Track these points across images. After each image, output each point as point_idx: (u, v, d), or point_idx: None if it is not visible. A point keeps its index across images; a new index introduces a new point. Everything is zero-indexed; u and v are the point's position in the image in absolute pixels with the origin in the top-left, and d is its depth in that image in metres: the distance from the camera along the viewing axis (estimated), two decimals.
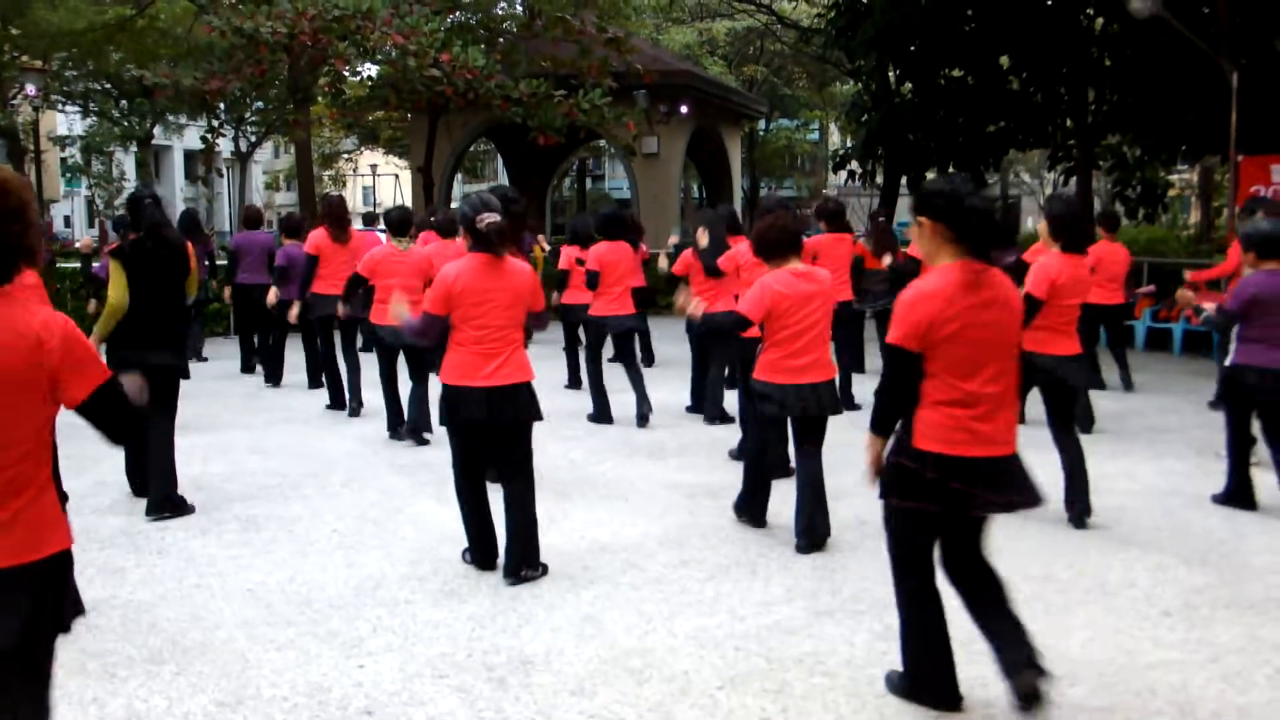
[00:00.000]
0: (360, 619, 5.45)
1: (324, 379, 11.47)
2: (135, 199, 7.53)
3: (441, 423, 6.13)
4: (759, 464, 7.02)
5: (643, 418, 10.32)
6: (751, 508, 7.06)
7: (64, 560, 3.11)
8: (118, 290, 7.08)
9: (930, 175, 25.37)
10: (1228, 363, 7.37)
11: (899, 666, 4.65)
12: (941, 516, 4.32)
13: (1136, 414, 10.72)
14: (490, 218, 5.91)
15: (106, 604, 5.54)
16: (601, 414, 10.51)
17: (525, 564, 6.05)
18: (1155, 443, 9.47)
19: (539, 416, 6.16)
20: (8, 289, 3.00)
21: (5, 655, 2.96)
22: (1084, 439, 9.42)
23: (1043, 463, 7.79)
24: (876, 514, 7.00)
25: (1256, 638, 5.15)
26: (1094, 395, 10.57)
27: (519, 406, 6.03)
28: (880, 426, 4.38)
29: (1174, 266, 17.79)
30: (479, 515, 6.20)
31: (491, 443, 6.13)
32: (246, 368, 13.72)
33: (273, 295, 12.10)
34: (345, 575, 6.12)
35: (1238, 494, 7.45)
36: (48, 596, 3.04)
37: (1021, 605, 5.52)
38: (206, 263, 14.25)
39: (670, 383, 11.54)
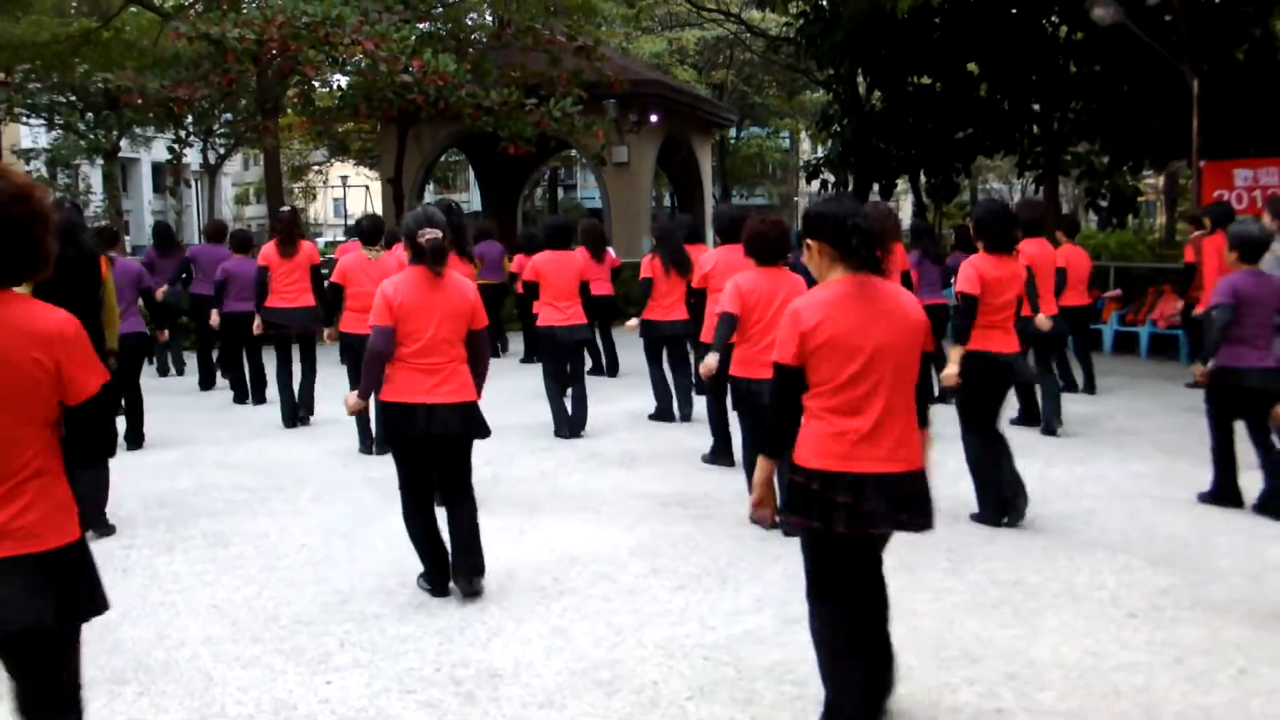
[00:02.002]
0: (327, 634, 5.42)
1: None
2: (54, 204, 7.61)
3: (386, 440, 6.10)
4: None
5: (577, 428, 10.39)
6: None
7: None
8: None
9: (901, 182, 25.54)
10: (1212, 365, 7.41)
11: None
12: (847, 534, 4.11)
13: (1105, 417, 10.76)
14: (431, 233, 5.84)
15: None
16: (560, 426, 10.40)
17: (476, 573, 6.00)
18: (1123, 445, 9.51)
19: (483, 434, 6.11)
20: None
21: (38, 635, 3.14)
22: (1053, 442, 9.53)
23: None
24: None
25: (1220, 639, 5.17)
26: (1062, 398, 10.63)
27: (460, 424, 5.95)
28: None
29: (1140, 270, 17.96)
30: (429, 534, 6.04)
31: (434, 461, 6.05)
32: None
33: (214, 316, 12.54)
34: (313, 590, 6.09)
35: (1224, 494, 7.52)
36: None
37: (991, 610, 5.58)
38: (184, 275, 14.20)
39: (642, 393, 11.53)
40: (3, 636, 3.11)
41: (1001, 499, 7.19)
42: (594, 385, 12.64)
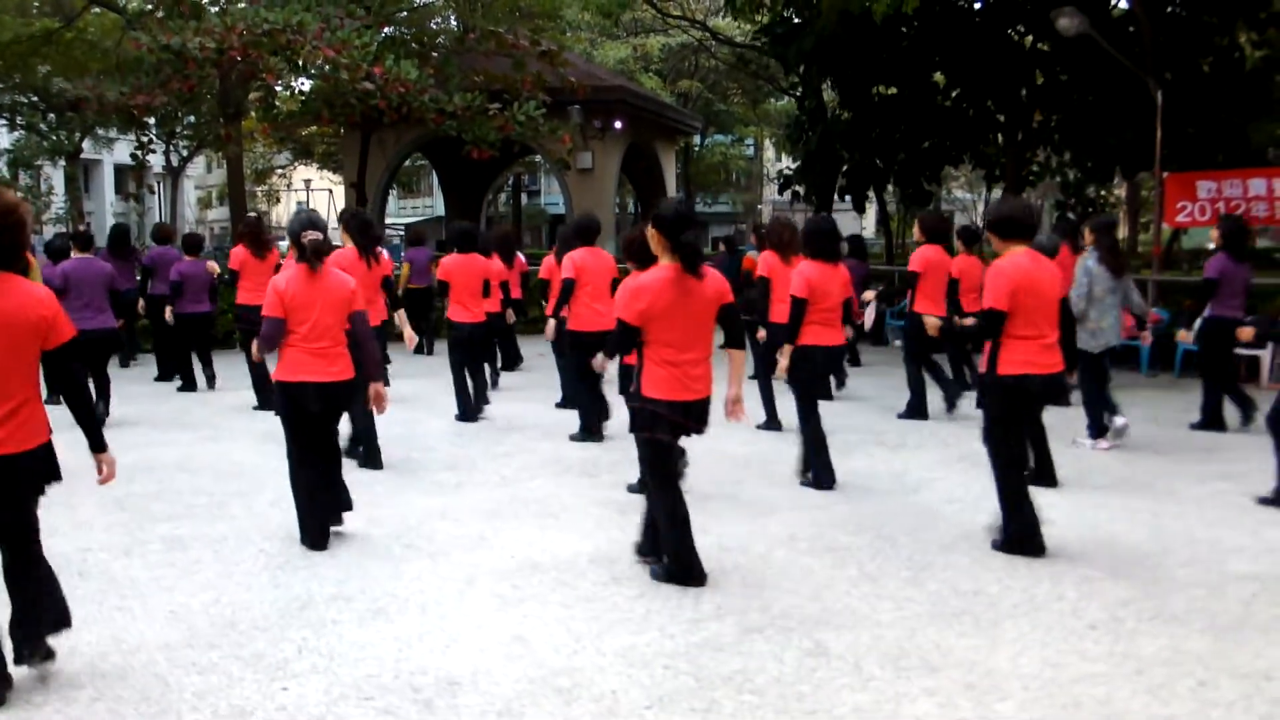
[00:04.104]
0: (285, 640, 5.37)
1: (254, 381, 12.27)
2: None
3: (276, 413, 7.00)
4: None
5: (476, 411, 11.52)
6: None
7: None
8: None
9: (869, 192, 25.67)
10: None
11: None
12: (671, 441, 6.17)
13: (1065, 427, 10.79)
14: (313, 234, 6.81)
15: None
16: (466, 413, 11.44)
17: (345, 509, 7.21)
18: (1082, 457, 9.55)
19: (347, 408, 7.39)
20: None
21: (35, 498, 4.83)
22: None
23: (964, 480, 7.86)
24: (808, 531, 7.06)
25: (1180, 650, 5.19)
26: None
27: (342, 398, 7.03)
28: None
29: None
30: (314, 484, 6.96)
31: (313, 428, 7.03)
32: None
33: (169, 314, 13.25)
34: (271, 596, 6.03)
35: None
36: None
37: (951, 620, 5.58)
38: (139, 278, 14.48)
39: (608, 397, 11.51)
40: (24, 496, 4.74)
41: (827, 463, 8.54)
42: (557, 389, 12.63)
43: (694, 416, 6.11)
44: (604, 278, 10.23)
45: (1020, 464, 6.95)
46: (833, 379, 12.41)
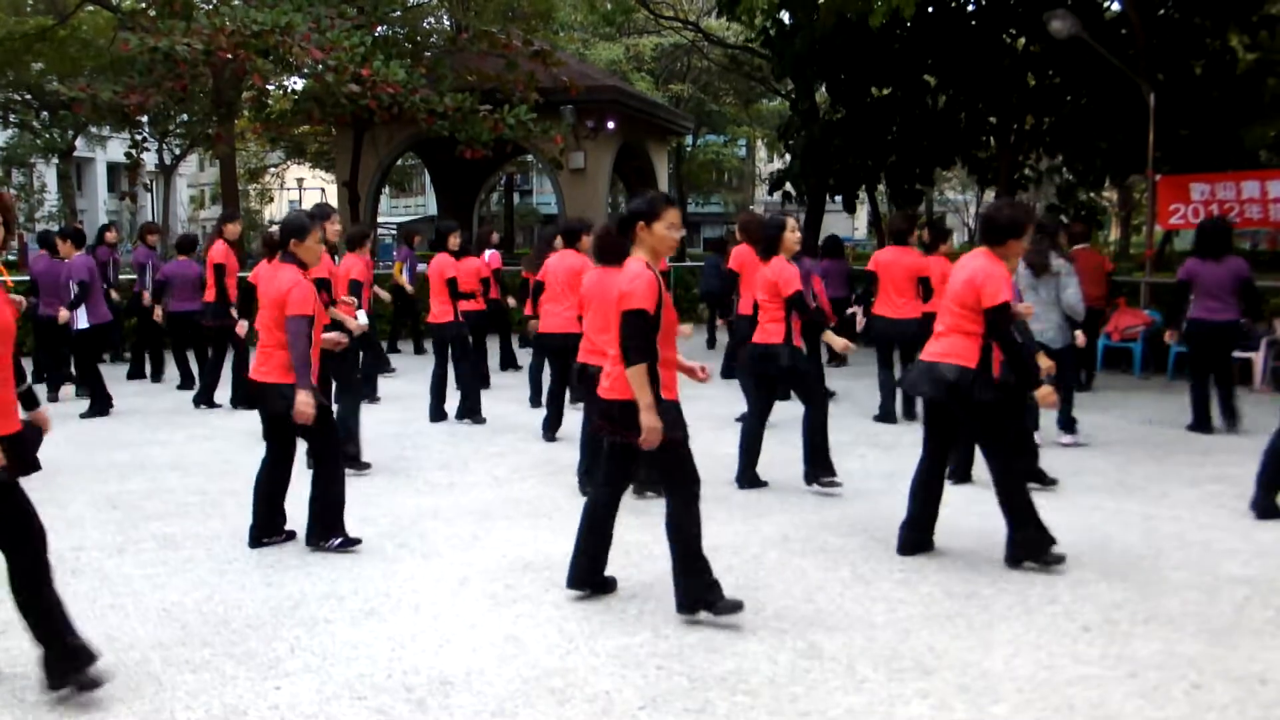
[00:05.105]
0: (278, 639, 5.36)
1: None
2: None
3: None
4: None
5: (461, 416, 11.47)
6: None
7: None
8: None
9: (860, 193, 25.70)
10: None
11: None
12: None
13: (1059, 430, 10.81)
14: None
15: (15, 626, 5.39)
16: (435, 414, 11.52)
17: (328, 535, 6.85)
18: (1076, 458, 9.56)
19: (284, 412, 6.64)
20: None
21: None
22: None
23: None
24: (800, 532, 7.06)
25: (1174, 653, 5.19)
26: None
27: (265, 401, 6.83)
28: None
29: None
30: (270, 490, 6.97)
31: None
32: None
33: (158, 313, 13.80)
34: (264, 594, 6.03)
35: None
36: None
37: (945, 622, 5.58)
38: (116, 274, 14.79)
39: None
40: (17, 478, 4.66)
41: (754, 469, 8.67)
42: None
43: (600, 413, 5.74)
44: (570, 279, 9.80)
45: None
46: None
